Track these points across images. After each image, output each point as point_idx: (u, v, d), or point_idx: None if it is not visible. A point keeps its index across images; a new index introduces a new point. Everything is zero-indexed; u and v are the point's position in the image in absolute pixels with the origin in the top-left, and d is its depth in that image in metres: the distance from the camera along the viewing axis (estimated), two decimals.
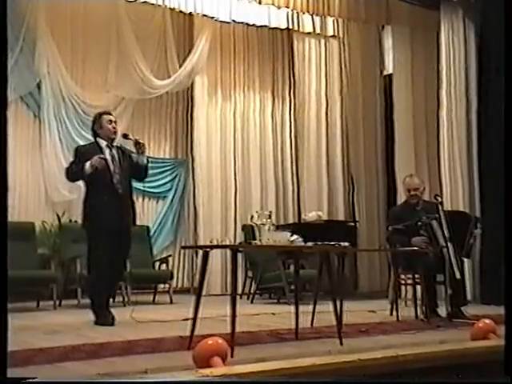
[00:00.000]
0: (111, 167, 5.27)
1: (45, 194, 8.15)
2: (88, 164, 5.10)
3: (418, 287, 5.80)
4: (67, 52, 8.34)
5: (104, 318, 5.08)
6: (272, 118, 9.68)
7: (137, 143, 5.34)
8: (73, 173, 5.28)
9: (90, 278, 5.47)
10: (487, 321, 4.32)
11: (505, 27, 4.19)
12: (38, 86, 8.10)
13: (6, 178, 2.63)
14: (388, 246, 6.66)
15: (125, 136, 5.54)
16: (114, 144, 5.43)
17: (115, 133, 5.40)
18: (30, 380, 2.63)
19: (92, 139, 5.54)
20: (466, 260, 6.75)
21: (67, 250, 7.44)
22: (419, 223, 5.65)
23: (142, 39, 8.69)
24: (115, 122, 5.46)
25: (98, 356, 3.60)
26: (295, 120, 9.70)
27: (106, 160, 5.23)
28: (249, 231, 8.33)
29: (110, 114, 5.56)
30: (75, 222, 8.16)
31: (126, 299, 7.01)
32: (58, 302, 6.78)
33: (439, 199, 5.90)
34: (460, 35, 7.91)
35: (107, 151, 5.34)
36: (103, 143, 5.36)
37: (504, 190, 3.76)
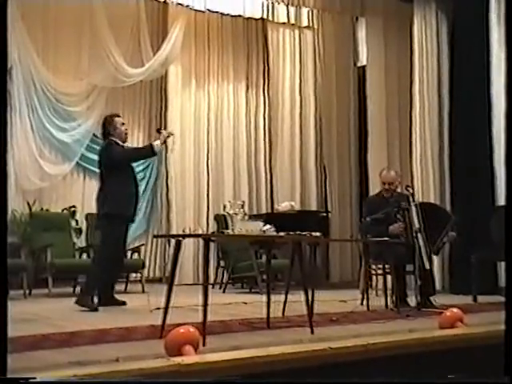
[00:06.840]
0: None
1: (15, 182, 8.02)
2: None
3: (389, 277, 5.88)
4: (38, 38, 8.19)
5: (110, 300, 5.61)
6: (246, 107, 9.67)
7: (169, 136, 6.01)
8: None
9: (97, 266, 5.74)
10: (455, 310, 4.41)
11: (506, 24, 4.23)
12: (9, 73, 7.95)
13: (6, 172, 2.61)
14: (360, 236, 6.72)
15: (158, 130, 6.20)
16: (126, 144, 6.09)
17: (126, 134, 6.05)
18: (31, 380, 2.61)
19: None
20: None
21: (38, 238, 7.38)
22: (395, 209, 5.73)
23: (115, 26, 8.56)
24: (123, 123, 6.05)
25: (68, 345, 3.59)
26: (269, 110, 9.71)
27: None
28: (221, 221, 8.35)
29: (119, 116, 6.15)
30: (46, 210, 8.10)
31: None
32: (28, 291, 6.73)
33: (410, 190, 5.97)
34: (433, 27, 7.99)
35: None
36: (119, 142, 5.91)
37: (506, 189, 3.81)
